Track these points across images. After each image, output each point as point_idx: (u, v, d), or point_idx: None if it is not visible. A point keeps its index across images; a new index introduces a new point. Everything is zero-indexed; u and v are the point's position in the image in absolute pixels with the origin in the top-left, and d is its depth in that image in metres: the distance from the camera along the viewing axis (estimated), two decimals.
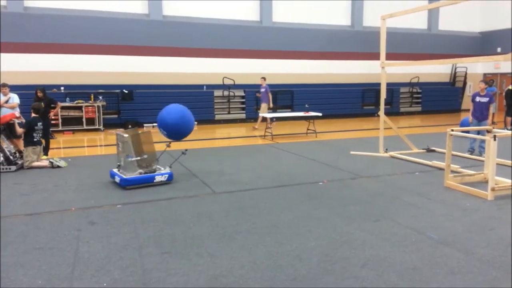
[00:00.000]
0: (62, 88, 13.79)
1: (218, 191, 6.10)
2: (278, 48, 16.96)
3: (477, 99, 8.79)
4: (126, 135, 6.34)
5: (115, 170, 6.59)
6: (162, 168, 6.67)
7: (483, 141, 8.00)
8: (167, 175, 6.51)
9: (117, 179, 6.37)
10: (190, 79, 15.75)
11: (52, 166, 7.68)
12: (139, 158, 6.37)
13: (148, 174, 6.40)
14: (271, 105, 13.66)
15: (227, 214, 5.02)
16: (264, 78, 13.70)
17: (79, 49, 14.21)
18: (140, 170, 6.36)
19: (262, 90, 13.62)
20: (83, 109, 13.30)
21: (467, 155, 8.62)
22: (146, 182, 6.34)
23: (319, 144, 10.57)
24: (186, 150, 7.16)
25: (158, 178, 6.41)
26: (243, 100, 16.11)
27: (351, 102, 17.79)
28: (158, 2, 15.19)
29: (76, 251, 3.95)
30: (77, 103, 13.34)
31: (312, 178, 6.83)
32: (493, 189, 5.56)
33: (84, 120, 13.32)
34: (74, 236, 4.33)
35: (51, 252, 3.92)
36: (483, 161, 6.96)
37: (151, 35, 15.10)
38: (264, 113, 13.33)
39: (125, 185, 6.21)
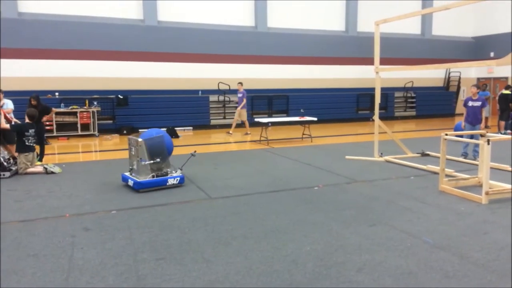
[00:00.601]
0: (56, 93, 13.74)
1: (213, 196, 6.09)
2: (273, 53, 17.03)
3: (470, 103, 8.84)
4: (140, 140, 6.43)
5: (127, 174, 6.68)
6: (174, 171, 6.75)
7: (477, 145, 8.05)
8: (178, 178, 6.60)
9: (131, 183, 6.44)
10: (185, 84, 15.76)
11: (46, 172, 7.64)
12: (152, 161, 6.45)
13: (161, 177, 6.48)
14: (239, 109, 13.60)
15: (222, 219, 5.01)
16: (241, 83, 13.61)
17: (74, 54, 14.19)
18: (153, 173, 6.45)
19: (240, 95, 13.55)
20: (78, 114, 13.26)
21: (461, 159, 8.66)
22: (159, 185, 6.42)
23: (314, 149, 10.59)
24: (195, 151, 7.21)
25: (170, 181, 6.52)
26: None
27: (346, 106, 17.88)
28: (153, 8, 15.21)
29: (71, 257, 3.92)
30: (71, 108, 13.30)
31: (307, 182, 6.84)
32: (487, 193, 5.59)
33: (79, 125, 13.28)
34: (69, 242, 4.31)
35: (45, 259, 3.89)
36: (477, 165, 7.01)
37: (146, 41, 15.11)
38: (244, 118, 13.48)
39: (139, 188, 6.27)
